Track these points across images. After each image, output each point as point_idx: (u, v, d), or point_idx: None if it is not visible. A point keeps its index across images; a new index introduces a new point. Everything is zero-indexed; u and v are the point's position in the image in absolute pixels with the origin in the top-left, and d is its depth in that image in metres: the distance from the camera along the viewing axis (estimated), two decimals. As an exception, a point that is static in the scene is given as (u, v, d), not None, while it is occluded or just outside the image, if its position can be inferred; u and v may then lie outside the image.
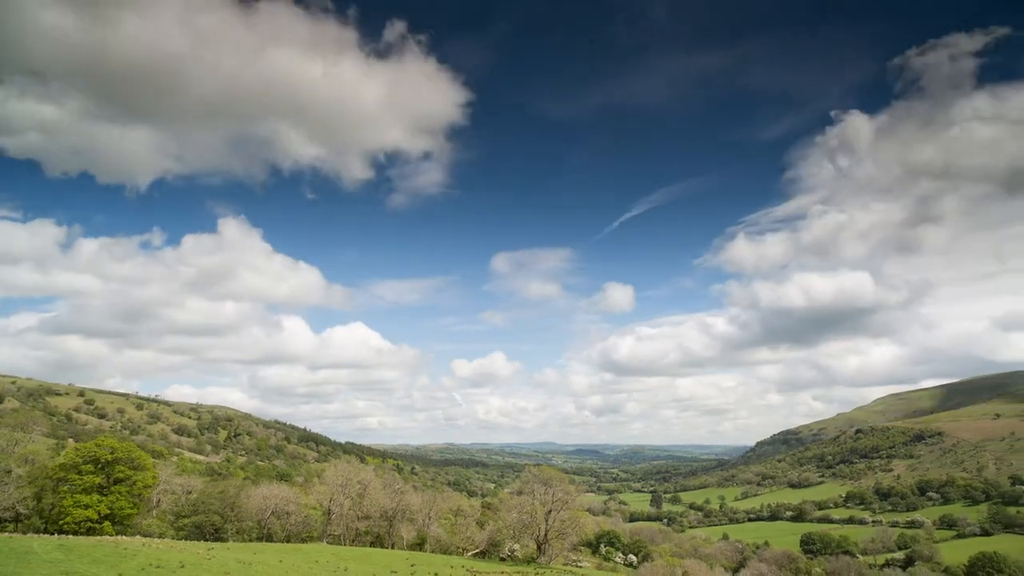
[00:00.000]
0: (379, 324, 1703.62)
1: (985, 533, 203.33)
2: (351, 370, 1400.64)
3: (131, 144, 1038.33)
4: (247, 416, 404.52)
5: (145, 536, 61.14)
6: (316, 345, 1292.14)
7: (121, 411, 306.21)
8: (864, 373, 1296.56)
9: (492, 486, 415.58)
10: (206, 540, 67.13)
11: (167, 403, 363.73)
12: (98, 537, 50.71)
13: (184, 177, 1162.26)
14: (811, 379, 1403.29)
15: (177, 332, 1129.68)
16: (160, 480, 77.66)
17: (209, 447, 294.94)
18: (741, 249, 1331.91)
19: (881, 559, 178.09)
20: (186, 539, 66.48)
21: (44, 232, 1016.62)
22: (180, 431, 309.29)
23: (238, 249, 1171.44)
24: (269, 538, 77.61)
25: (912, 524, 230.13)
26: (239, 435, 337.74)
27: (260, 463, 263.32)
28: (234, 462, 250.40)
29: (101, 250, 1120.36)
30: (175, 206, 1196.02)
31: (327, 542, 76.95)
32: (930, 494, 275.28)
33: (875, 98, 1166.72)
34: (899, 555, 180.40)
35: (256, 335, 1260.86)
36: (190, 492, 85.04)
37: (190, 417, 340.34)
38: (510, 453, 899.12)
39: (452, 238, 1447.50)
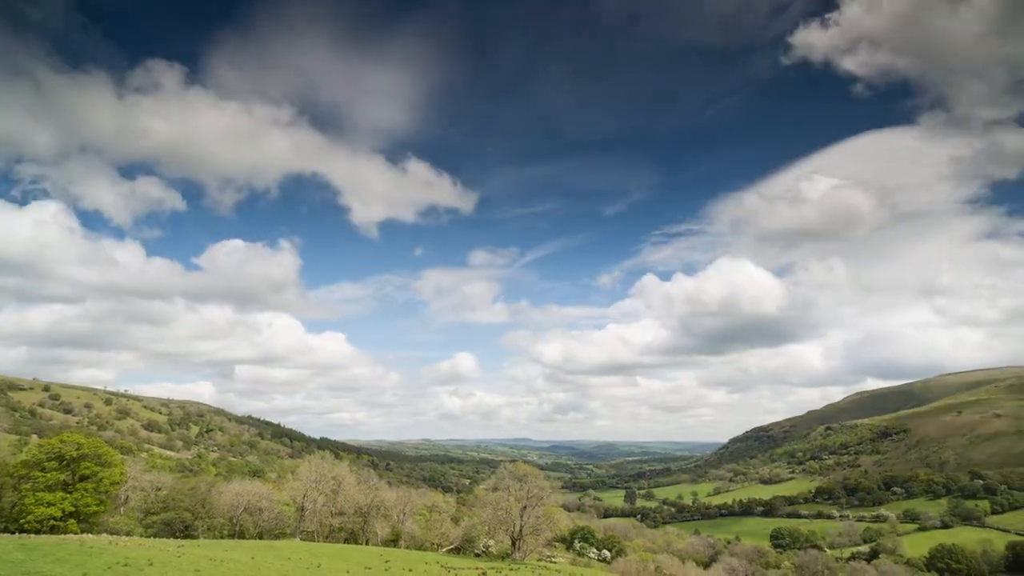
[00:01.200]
0: (352, 323, 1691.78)
1: (945, 526, 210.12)
2: (325, 368, 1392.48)
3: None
4: (219, 411, 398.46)
5: (112, 534, 59.86)
6: (291, 344, 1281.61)
7: (88, 406, 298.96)
8: (833, 371, 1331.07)
9: (467, 482, 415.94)
10: (176, 538, 66.02)
11: (137, 398, 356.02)
12: (62, 536, 49.53)
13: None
14: (782, 377, 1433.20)
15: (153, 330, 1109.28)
16: (128, 477, 76.05)
17: (180, 443, 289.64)
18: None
19: (847, 552, 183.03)
20: (155, 537, 65.31)
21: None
22: (150, 427, 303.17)
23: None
24: (241, 535, 76.65)
25: (877, 518, 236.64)
26: (211, 431, 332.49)
27: (232, 459, 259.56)
28: (206, 458, 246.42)
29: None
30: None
31: (300, 539, 76.29)
32: (895, 489, 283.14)
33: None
34: (864, 548, 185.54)
35: (230, 334, 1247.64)
36: (160, 489, 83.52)
37: (161, 412, 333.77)
38: (485, 449, 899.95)
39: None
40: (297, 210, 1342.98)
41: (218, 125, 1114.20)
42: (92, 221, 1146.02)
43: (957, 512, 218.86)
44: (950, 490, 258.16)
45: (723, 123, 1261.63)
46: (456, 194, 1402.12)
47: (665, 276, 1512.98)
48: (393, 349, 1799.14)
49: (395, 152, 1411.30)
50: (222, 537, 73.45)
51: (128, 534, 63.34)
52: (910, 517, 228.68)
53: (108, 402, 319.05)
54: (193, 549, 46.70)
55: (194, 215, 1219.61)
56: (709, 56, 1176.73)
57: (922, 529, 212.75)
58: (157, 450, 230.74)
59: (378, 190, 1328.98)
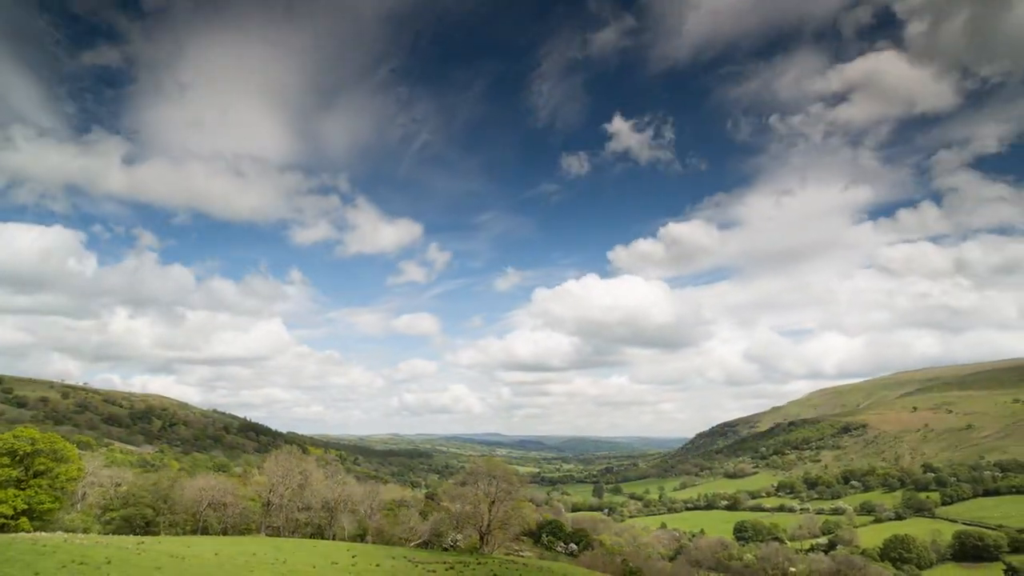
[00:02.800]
0: (318, 317, 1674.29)
1: (899, 517, 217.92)
2: (291, 361, 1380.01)
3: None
4: (184, 405, 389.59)
5: (68, 532, 58.29)
6: (260, 338, 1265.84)
7: (44, 400, 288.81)
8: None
9: (436, 477, 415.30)
10: (136, 534, 64.60)
11: (97, 391, 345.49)
12: (13, 535, 48.04)
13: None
14: (751, 375, 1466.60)
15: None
16: (86, 472, 74.04)
17: (142, 437, 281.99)
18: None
19: (807, 544, 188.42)
20: (114, 533, 63.81)
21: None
22: (110, 420, 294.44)
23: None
24: (205, 531, 75.38)
25: (836, 511, 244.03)
26: (175, 425, 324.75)
27: (197, 454, 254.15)
28: (169, 453, 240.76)
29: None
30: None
31: (266, 534, 75.42)
32: (853, 482, 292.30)
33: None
34: (823, 540, 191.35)
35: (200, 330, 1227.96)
36: (119, 484, 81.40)
37: (122, 406, 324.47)
38: (455, 444, 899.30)
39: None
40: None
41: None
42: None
43: (910, 504, 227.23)
44: (904, 483, 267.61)
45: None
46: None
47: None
48: (360, 344, 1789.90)
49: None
50: (185, 533, 72.17)
51: (85, 531, 61.78)
52: (866, 509, 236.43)
53: (65, 395, 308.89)
54: (154, 546, 45.81)
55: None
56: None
57: (877, 521, 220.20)
58: (118, 445, 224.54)
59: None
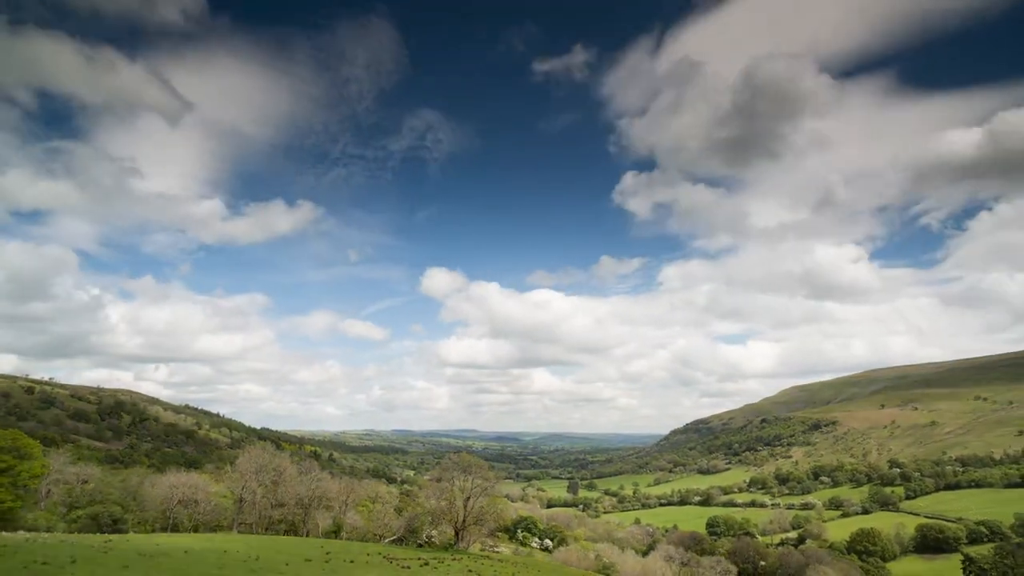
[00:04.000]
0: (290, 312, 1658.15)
1: (865, 511, 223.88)
2: (269, 357, 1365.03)
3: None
4: (154, 401, 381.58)
5: (30, 531, 56.85)
6: (233, 334, 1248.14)
7: (7, 395, 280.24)
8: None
9: (412, 473, 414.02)
10: (103, 532, 63.25)
11: (63, 386, 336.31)
12: (-25, 532, 46.67)
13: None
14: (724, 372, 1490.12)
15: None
16: (51, 469, 72.25)
17: (110, 433, 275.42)
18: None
19: (777, 539, 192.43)
20: (79, 532, 62.40)
21: None
22: (77, 416, 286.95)
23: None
24: (175, 528, 74.18)
25: (806, 506, 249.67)
26: (145, 420, 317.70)
27: (168, 450, 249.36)
28: (139, 449, 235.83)
29: None
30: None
31: (238, 531, 74.45)
32: (822, 478, 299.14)
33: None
34: (793, 534, 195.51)
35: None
36: (86, 482, 79.60)
37: (90, 401, 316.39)
38: (431, 440, 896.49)
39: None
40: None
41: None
42: None
43: (876, 498, 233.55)
44: (871, 478, 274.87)
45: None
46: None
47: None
48: (336, 340, 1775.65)
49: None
50: (154, 531, 70.93)
51: (49, 530, 60.33)
52: (835, 504, 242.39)
53: (30, 391, 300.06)
54: (122, 544, 44.90)
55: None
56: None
57: (845, 515, 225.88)
58: (85, 441, 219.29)
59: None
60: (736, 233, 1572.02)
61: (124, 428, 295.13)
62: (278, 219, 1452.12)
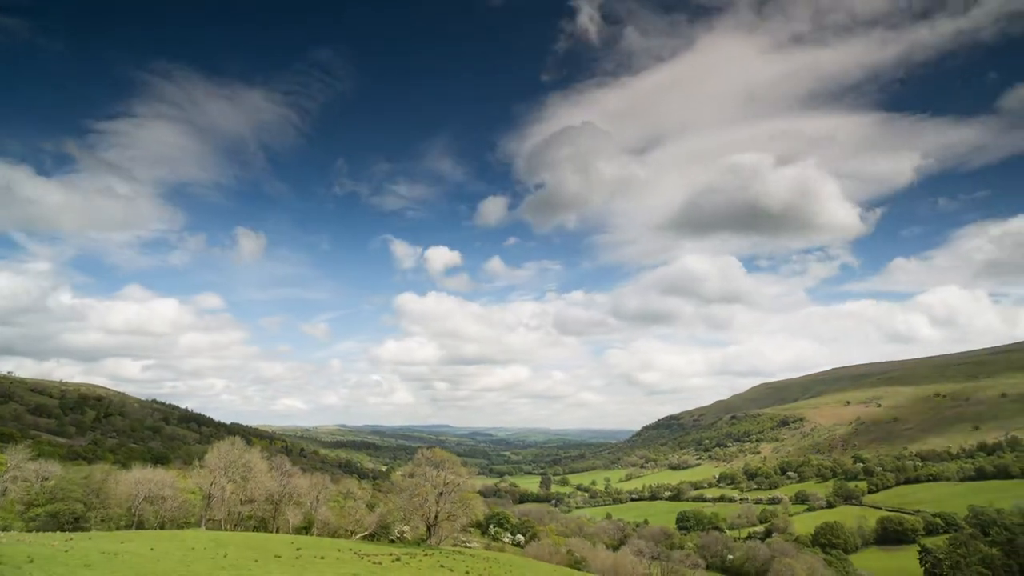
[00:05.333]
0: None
1: (830, 505, 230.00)
2: (238, 354, 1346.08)
3: None
4: (120, 395, 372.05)
5: (-13, 529, 55.19)
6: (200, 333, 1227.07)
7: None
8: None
9: (384, 469, 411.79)
10: (64, 531, 61.65)
11: (23, 380, 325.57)
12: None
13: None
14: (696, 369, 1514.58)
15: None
16: (8, 466, 70.03)
17: (73, 429, 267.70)
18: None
19: (744, 532, 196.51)
20: (39, 531, 60.73)
21: None
22: (38, 411, 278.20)
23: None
24: (140, 525, 72.59)
25: (773, 500, 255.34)
26: (110, 416, 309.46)
27: (134, 445, 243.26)
28: (103, 444, 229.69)
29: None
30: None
31: (206, 527, 73.26)
32: (789, 473, 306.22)
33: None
34: (760, 528, 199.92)
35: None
36: (46, 479, 77.23)
37: (52, 395, 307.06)
38: (403, 436, 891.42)
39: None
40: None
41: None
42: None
43: (840, 493, 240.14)
44: (836, 473, 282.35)
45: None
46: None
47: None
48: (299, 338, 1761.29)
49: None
50: (119, 528, 69.37)
51: (5, 529, 58.59)
52: (801, 499, 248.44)
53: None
54: (83, 542, 43.92)
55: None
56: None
57: (810, 509, 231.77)
58: (46, 437, 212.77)
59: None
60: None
61: (88, 424, 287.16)
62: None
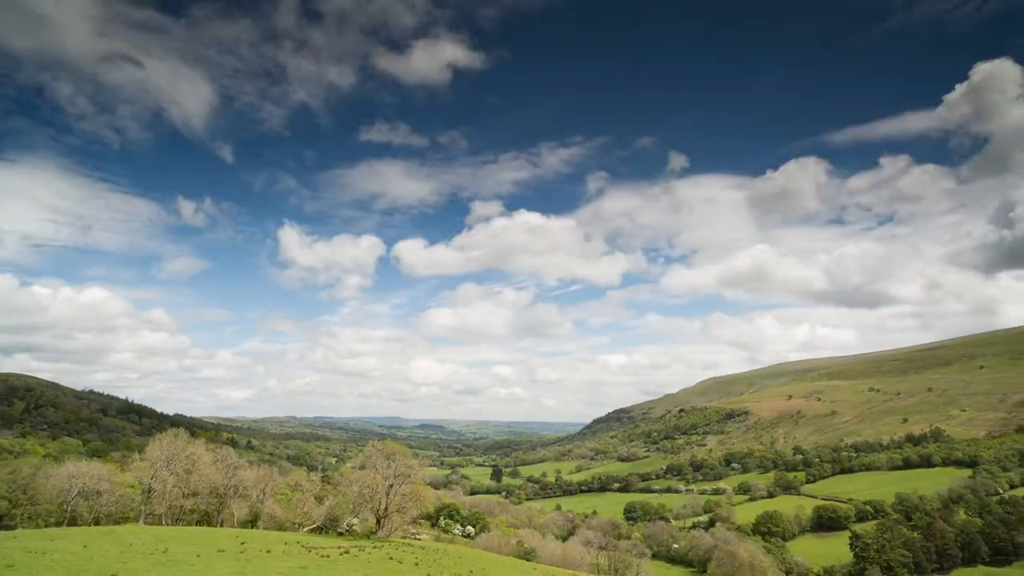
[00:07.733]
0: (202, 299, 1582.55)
1: (770, 495, 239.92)
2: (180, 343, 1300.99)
3: None
4: (53, 385, 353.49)
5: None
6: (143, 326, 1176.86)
7: None
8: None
9: (334, 461, 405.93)
10: (-14, 529, 58.44)
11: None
12: None
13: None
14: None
15: None
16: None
17: (0, 421, 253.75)
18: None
19: (689, 522, 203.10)
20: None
21: None
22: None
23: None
24: (73, 522, 69.47)
25: (717, 491, 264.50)
26: (42, 407, 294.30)
27: (68, 438, 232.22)
28: (33, 438, 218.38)
29: None
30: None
31: (145, 522, 70.84)
32: (733, 465, 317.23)
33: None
34: (704, 518, 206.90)
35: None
36: (-33, 475, 73.03)
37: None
38: (355, 428, 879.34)
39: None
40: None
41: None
42: None
43: (780, 483, 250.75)
44: (777, 464, 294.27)
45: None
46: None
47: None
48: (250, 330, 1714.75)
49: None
50: (48, 525, 66.25)
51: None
52: (743, 489, 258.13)
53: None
54: (7, 541, 41.81)
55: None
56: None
57: (752, 499, 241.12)
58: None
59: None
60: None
61: (16, 415, 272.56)
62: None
